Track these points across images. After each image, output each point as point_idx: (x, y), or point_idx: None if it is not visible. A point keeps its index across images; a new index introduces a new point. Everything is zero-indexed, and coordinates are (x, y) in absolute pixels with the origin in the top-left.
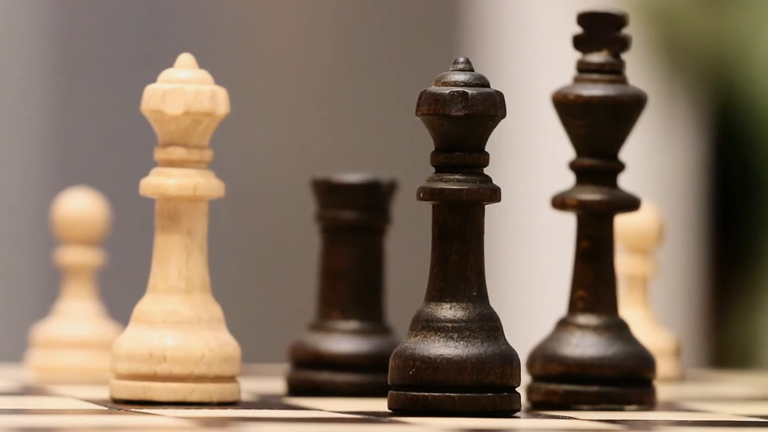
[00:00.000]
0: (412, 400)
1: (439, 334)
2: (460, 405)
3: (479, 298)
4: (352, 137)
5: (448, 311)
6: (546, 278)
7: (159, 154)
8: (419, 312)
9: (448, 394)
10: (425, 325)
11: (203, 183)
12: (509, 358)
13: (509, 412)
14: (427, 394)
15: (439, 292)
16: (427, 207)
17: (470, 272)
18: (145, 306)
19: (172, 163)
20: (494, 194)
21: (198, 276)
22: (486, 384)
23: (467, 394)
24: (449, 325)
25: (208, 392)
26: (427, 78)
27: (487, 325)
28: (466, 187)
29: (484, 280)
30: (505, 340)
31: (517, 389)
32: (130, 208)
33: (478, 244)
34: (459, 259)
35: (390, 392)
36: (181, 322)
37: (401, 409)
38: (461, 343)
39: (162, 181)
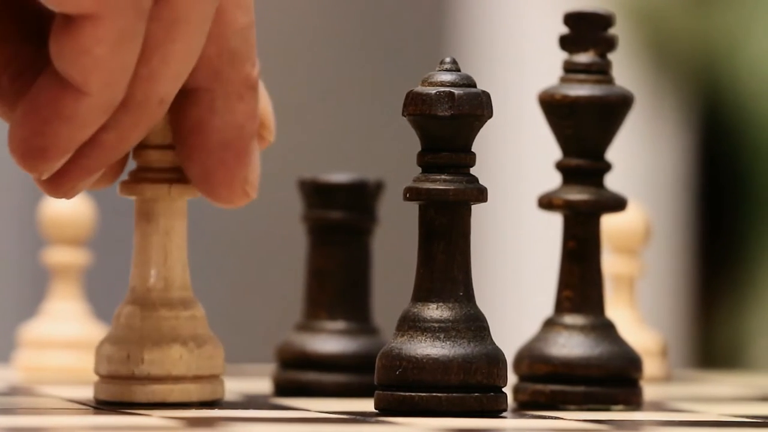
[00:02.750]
0: (398, 400)
1: (425, 334)
2: (447, 405)
3: (466, 298)
4: (338, 137)
5: (434, 311)
6: (532, 278)
7: (136, 155)
8: (406, 312)
9: (434, 394)
10: (412, 325)
11: (178, 183)
12: (496, 358)
13: (496, 412)
14: (413, 394)
15: (425, 292)
16: (413, 207)
17: (457, 272)
18: (124, 307)
19: (149, 164)
20: (481, 194)
21: (177, 276)
22: (472, 384)
23: (454, 395)
24: (436, 325)
25: (188, 392)
26: (413, 78)
27: (474, 326)
28: (452, 187)
29: (471, 280)
30: (492, 340)
31: (503, 389)
32: (116, 208)
33: (465, 245)
34: (445, 260)
35: (376, 392)
36: (159, 322)
37: (388, 409)
38: (448, 343)
39: (138, 182)
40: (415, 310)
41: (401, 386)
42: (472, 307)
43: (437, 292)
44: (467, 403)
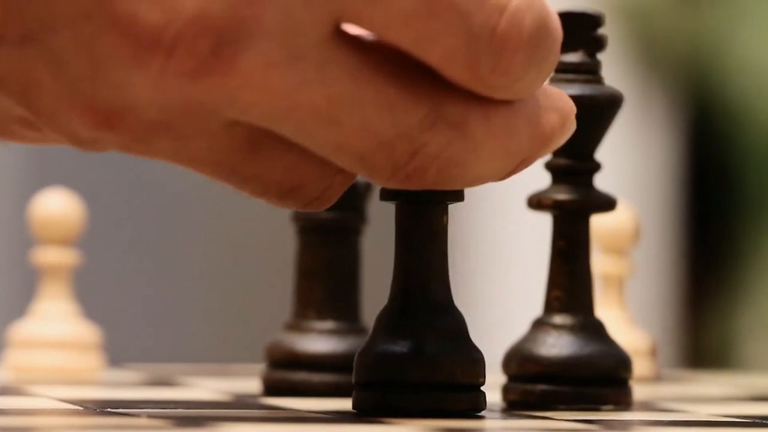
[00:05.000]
0: (377, 399)
1: (404, 333)
2: (426, 404)
3: (444, 297)
4: None
5: (412, 310)
6: (522, 278)
7: None
8: (383, 311)
9: (413, 393)
10: (390, 324)
11: None
12: (474, 357)
13: (474, 411)
14: (392, 393)
15: (402, 291)
16: None
17: (433, 272)
18: None
19: None
20: (457, 193)
21: None
22: (451, 383)
23: (433, 393)
24: (414, 324)
25: None
26: None
27: (452, 324)
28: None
29: (448, 279)
30: (470, 338)
31: (482, 388)
32: (106, 207)
33: (442, 244)
34: (422, 259)
35: (354, 392)
36: None
37: (366, 409)
38: (426, 342)
39: None
40: (393, 309)
41: (379, 386)
42: (449, 306)
43: (414, 291)
44: (445, 402)
